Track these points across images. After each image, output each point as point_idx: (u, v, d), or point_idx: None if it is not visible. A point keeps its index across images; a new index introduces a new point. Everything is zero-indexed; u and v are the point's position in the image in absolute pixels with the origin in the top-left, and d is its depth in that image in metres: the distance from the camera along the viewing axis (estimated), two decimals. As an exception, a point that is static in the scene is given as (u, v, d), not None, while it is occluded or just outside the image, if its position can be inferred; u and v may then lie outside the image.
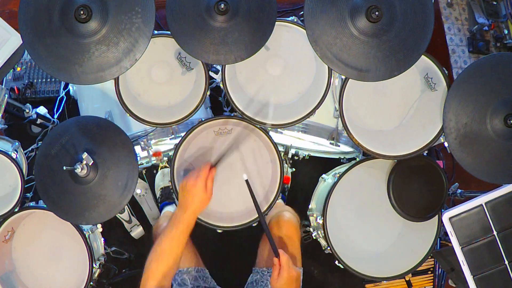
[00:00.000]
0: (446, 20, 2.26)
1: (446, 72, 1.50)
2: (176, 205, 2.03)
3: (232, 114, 1.61)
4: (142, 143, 1.69)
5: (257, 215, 1.58)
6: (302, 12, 1.49)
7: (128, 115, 1.54)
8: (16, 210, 1.54)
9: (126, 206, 2.02)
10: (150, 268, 1.28)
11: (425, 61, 1.50)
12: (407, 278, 2.08)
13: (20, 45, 1.59)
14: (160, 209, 2.08)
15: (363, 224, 1.73)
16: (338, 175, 1.64)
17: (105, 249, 1.74)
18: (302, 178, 2.18)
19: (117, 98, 1.52)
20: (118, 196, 1.42)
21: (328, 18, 1.35)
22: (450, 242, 1.46)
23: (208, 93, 1.57)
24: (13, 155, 1.55)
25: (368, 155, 1.60)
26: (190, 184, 1.31)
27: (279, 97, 1.62)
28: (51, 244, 1.63)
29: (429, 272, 2.10)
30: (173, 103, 1.62)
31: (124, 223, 2.08)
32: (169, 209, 2.02)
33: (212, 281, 1.60)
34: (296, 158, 1.96)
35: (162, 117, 1.57)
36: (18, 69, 2.24)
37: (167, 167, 1.98)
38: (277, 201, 1.62)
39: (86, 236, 1.54)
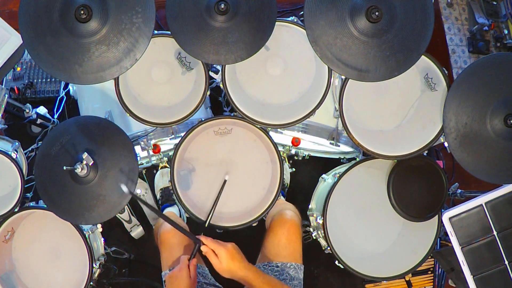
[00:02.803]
0: (446, 20, 2.26)
1: (446, 72, 1.50)
2: (177, 206, 2.04)
3: (232, 114, 1.61)
4: (142, 143, 1.69)
5: (257, 215, 1.59)
6: (302, 12, 1.49)
7: (128, 115, 1.54)
8: (16, 210, 1.53)
9: (126, 206, 2.02)
10: None
11: (425, 61, 1.50)
12: (407, 278, 2.08)
13: (20, 45, 1.59)
14: (161, 211, 2.07)
15: (363, 224, 1.72)
16: (338, 175, 1.64)
17: (105, 249, 1.74)
18: (302, 178, 2.17)
19: (117, 98, 1.52)
20: (118, 196, 1.42)
21: (328, 18, 1.35)
22: (450, 242, 1.46)
23: (208, 93, 1.57)
24: (13, 155, 1.55)
25: (368, 155, 1.60)
26: (174, 274, 1.37)
27: (279, 97, 1.62)
28: (51, 244, 1.63)
29: (429, 272, 2.10)
30: (173, 103, 1.62)
31: (124, 223, 2.07)
32: (170, 210, 2.01)
33: (212, 278, 1.60)
34: (296, 158, 1.96)
35: (162, 117, 1.57)
36: (18, 69, 2.24)
37: (167, 167, 1.98)
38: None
39: (86, 236, 1.54)
